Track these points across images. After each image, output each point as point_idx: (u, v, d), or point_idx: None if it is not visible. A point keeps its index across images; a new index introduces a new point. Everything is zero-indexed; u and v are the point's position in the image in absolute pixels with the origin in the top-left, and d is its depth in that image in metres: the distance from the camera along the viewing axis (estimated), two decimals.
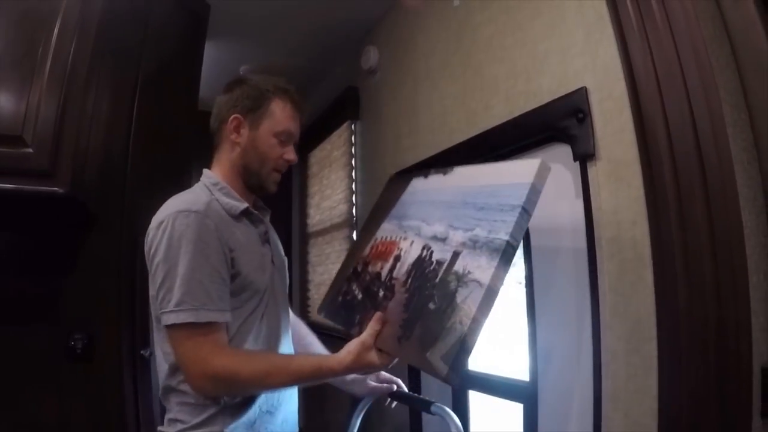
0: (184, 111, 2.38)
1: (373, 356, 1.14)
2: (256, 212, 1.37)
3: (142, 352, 1.89)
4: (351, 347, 1.15)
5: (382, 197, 1.67)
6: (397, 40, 2.66)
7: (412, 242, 1.34)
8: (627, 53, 1.33)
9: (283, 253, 1.52)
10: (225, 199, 1.31)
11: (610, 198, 1.38)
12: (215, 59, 3.04)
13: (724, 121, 1.19)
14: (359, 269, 1.47)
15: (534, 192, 1.12)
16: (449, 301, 1.10)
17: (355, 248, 1.57)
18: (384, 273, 1.35)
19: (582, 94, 1.45)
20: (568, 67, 1.53)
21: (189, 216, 1.19)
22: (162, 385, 1.25)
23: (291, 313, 1.56)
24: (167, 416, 1.25)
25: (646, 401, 1.24)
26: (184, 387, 1.20)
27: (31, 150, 1.55)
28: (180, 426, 1.20)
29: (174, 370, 1.22)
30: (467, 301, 1.06)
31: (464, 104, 2.04)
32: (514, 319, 1.76)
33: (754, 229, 1.26)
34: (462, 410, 2.00)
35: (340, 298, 1.46)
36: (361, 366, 1.16)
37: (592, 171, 1.43)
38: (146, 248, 1.22)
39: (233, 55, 3.20)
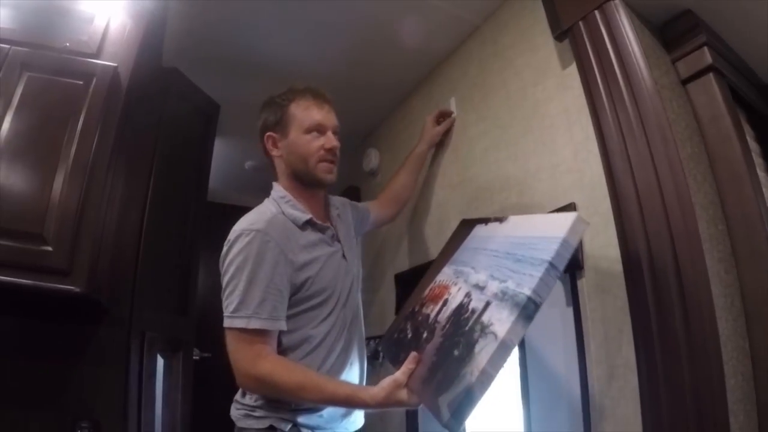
0: (194, 203, 2.45)
1: (404, 394, 1.18)
2: (318, 222, 1.50)
3: None
4: (384, 383, 1.20)
5: (450, 242, 1.73)
6: (397, 144, 2.69)
7: (460, 288, 1.35)
8: (611, 173, 1.39)
9: (355, 244, 1.69)
10: (290, 211, 1.46)
11: (598, 307, 1.41)
12: (224, 154, 3.14)
13: (700, 238, 1.27)
14: (416, 309, 1.50)
15: (565, 247, 1.10)
16: (469, 350, 1.09)
17: (419, 289, 1.63)
18: (432, 316, 1.37)
19: (571, 209, 1.49)
20: (557, 183, 1.59)
21: (250, 234, 1.34)
22: None
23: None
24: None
25: None
26: None
27: (50, 248, 1.57)
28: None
29: None
30: (482, 352, 1.05)
31: (461, 213, 2.05)
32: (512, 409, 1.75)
33: (732, 334, 1.33)
34: None
35: (395, 335, 1.50)
36: (391, 402, 1.20)
37: (581, 282, 1.45)
38: (220, 261, 1.37)
39: (240, 151, 3.28)
